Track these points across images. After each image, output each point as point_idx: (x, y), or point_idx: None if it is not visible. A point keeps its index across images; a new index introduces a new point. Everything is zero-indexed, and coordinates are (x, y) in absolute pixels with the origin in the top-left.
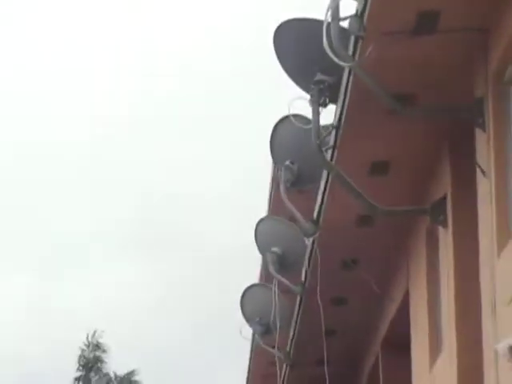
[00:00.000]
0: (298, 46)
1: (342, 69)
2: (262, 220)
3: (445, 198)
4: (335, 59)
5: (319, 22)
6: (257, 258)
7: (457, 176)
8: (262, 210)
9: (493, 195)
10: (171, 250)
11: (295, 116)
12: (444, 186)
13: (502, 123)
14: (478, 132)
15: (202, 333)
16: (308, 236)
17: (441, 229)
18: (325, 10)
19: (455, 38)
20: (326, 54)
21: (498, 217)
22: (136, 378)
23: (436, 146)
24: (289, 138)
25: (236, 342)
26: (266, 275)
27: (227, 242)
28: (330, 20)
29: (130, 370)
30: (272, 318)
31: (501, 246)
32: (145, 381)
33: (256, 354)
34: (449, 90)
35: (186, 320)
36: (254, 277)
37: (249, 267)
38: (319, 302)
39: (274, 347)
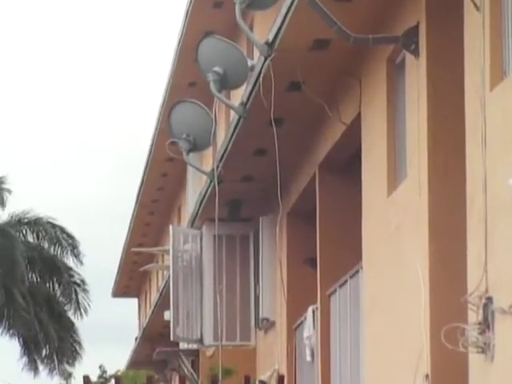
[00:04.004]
0: None
1: None
2: (204, 39)
3: (417, 26)
4: None
5: None
6: None
7: (432, 3)
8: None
9: (486, 31)
10: None
11: None
12: (417, 14)
13: None
14: None
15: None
16: (264, 56)
17: (409, 57)
18: None
19: None
20: None
21: (492, 53)
22: (4, 186)
23: None
24: None
25: None
26: None
27: None
28: None
29: None
30: (210, 135)
31: (494, 83)
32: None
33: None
34: None
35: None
36: None
37: None
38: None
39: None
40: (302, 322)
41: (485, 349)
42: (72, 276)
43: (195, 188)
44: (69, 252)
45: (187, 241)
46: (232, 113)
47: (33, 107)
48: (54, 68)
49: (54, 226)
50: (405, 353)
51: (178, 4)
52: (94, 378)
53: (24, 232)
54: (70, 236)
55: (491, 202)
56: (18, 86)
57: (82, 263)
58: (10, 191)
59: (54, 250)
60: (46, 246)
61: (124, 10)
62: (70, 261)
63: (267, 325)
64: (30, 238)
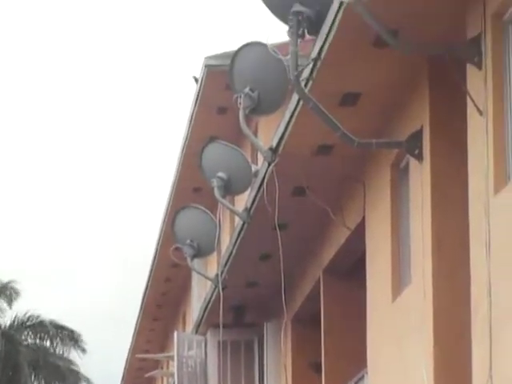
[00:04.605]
0: None
1: (320, 1)
2: (208, 145)
3: (421, 130)
4: None
5: None
6: None
7: (435, 108)
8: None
9: (490, 135)
10: None
11: (258, 44)
12: (421, 118)
13: (500, 63)
14: (472, 70)
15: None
16: (268, 162)
17: (413, 162)
18: None
19: None
20: None
21: (496, 157)
22: (17, 286)
23: (415, 78)
24: (249, 65)
25: None
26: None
27: None
28: None
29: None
30: (215, 241)
31: (498, 188)
32: (26, 288)
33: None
34: (440, 25)
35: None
36: None
37: None
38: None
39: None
40: None
41: None
42: (79, 380)
43: (200, 293)
44: (71, 347)
45: (192, 347)
46: (236, 218)
47: (39, 212)
48: (55, 178)
49: (56, 326)
50: None
51: (183, 109)
52: None
53: (26, 334)
54: (70, 331)
55: (496, 306)
56: (23, 193)
57: (84, 351)
58: (18, 293)
59: (57, 348)
60: (48, 345)
61: (128, 113)
62: (75, 356)
63: None
64: (33, 341)
